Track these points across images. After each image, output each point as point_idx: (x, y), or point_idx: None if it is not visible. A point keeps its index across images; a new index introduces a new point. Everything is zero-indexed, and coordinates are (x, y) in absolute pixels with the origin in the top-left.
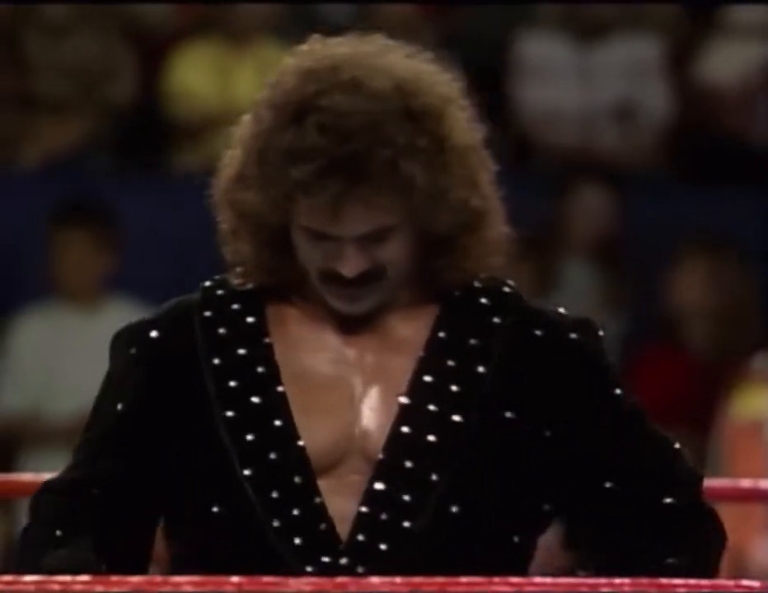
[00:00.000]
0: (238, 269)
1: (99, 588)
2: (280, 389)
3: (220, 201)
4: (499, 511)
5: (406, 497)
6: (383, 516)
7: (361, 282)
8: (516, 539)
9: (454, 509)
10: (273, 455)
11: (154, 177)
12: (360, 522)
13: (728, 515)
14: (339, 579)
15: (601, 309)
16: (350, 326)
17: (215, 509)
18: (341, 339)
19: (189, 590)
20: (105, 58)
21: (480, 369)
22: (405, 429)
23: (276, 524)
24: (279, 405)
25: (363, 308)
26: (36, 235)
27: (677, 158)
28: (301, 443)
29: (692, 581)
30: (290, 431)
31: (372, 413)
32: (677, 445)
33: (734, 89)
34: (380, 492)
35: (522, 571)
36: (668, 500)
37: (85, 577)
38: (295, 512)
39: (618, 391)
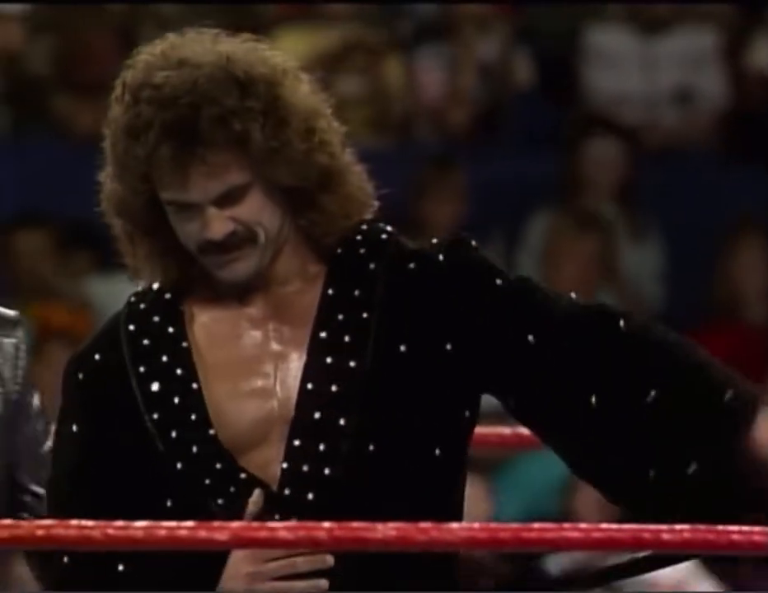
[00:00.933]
0: (142, 274)
1: (202, 533)
2: (195, 386)
3: (105, 207)
4: (413, 434)
5: (321, 447)
6: (305, 468)
7: (234, 245)
8: (437, 451)
9: (371, 447)
10: (195, 448)
11: None
12: (284, 477)
13: None
14: (423, 524)
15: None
16: (253, 309)
17: (168, 503)
18: (247, 324)
19: (283, 535)
20: None
21: (365, 315)
22: (309, 385)
23: (220, 501)
24: (195, 401)
25: (245, 272)
26: None
27: (730, 138)
28: (212, 432)
29: (746, 528)
30: (204, 423)
31: (285, 381)
32: (573, 295)
33: None
34: (297, 447)
35: (452, 482)
36: (654, 393)
37: (189, 523)
38: (231, 490)
39: (499, 281)
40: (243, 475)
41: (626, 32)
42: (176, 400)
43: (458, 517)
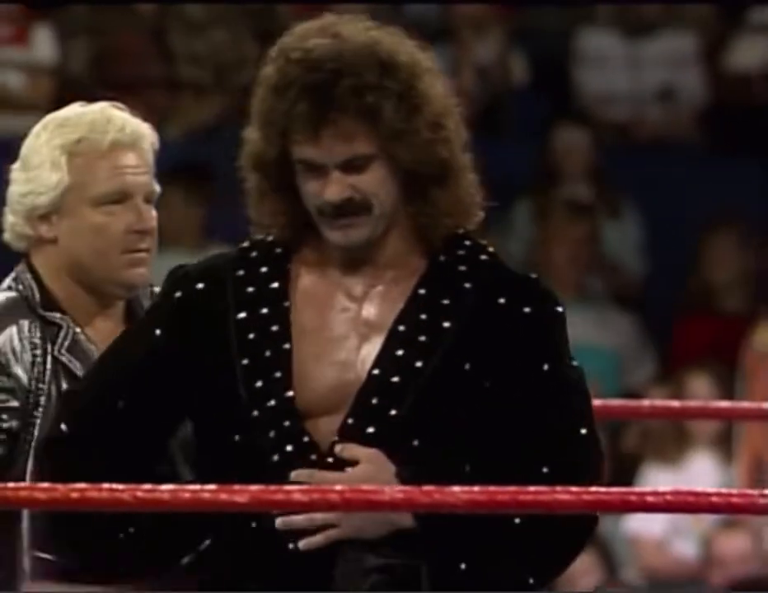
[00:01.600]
0: (264, 228)
1: (223, 496)
2: (287, 346)
3: (244, 162)
4: (451, 442)
5: (370, 429)
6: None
7: (349, 211)
8: (467, 469)
9: (414, 442)
10: (271, 402)
11: None
12: (332, 452)
13: (752, 430)
14: (426, 488)
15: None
16: (352, 285)
17: (237, 438)
18: (344, 298)
19: (298, 497)
20: (235, 48)
21: (446, 324)
22: (375, 371)
23: (275, 458)
24: (283, 360)
25: (357, 238)
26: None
27: (709, 133)
28: (290, 394)
29: (725, 491)
30: (285, 383)
31: (362, 361)
32: (584, 431)
33: (756, 75)
34: (350, 425)
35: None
36: (545, 470)
37: (212, 487)
38: (289, 449)
39: (547, 367)
40: (305, 439)
41: (614, 35)
42: (267, 353)
43: None
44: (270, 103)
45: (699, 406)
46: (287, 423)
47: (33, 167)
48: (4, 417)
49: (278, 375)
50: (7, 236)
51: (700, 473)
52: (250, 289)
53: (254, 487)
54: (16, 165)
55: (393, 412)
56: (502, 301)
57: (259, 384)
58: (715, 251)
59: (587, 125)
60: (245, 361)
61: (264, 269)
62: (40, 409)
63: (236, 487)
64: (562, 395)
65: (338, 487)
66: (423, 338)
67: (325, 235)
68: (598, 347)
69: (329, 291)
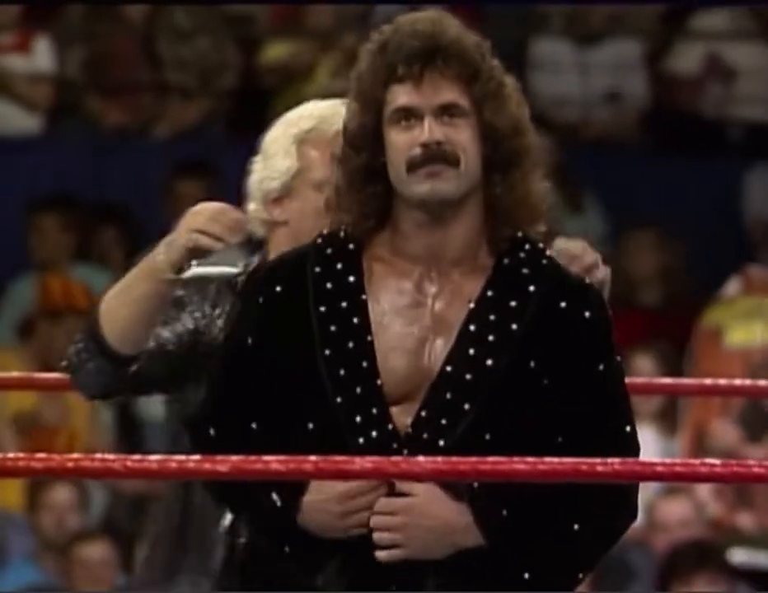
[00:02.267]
0: (341, 223)
1: (207, 466)
2: (369, 338)
3: (332, 159)
4: (520, 440)
5: (443, 421)
6: (424, 435)
7: (439, 157)
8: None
9: (486, 436)
10: (358, 390)
11: (255, 144)
12: (407, 439)
13: (694, 405)
14: (394, 458)
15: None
16: (424, 280)
17: (310, 425)
18: (418, 291)
19: (275, 466)
20: (218, 54)
21: (514, 326)
22: (448, 368)
23: (361, 440)
24: (368, 351)
25: (443, 190)
26: (163, 186)
27: (652, 133)
28: (379, 382)
29: (668, 460)
30: (373, 372)
31: (434, 354)
32: (628, 429)
33: (693, 78)
34: (423, 417)
35: None
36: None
37: (196, 457)
38: (373, 434)
39: (602, 367)
40: (390, 426)
41: (565, 43)
42: (350, 345)
43: None
44: (370, 65)
45: (644, 382)
46: (374, 410)
47: (270, 156)
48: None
49: (364, 364)
50: (249, 226)
51: (644, 444)
52: (329, 284)
53: (234, 458)
54: (257, 157)
55: (467, 406)
56: (563, 305)
57: (342, 372)
58: (635, 248)
59: (542, 127)
60: (327, 352)
61: (339, 265)
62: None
63: (219, 457)
64: (614, 394)
65: (312, 458)
66: (492, 338)
67: (413, 192)
68: None
69: (401, 287)
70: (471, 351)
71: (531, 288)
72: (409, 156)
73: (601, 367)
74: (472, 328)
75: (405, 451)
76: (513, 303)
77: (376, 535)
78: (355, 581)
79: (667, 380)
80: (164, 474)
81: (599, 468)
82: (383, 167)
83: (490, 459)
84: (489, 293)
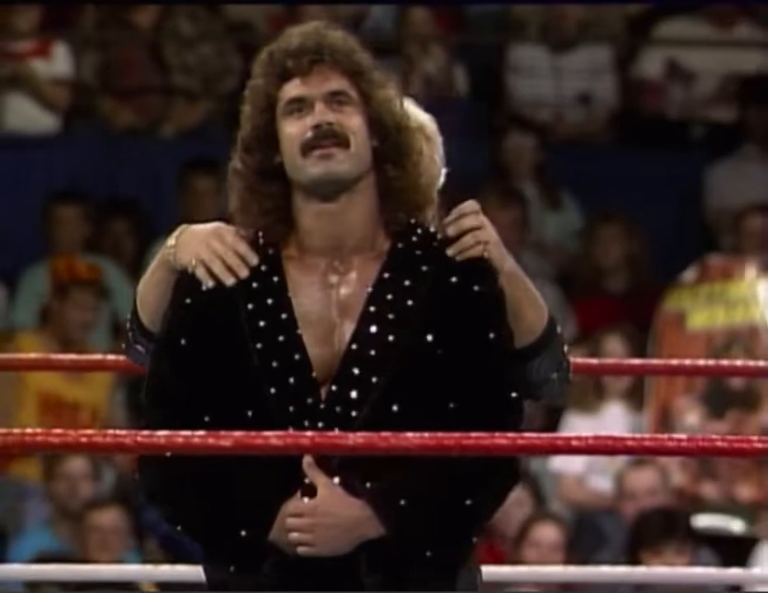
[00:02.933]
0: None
1: (211, 441)
2: (299, 332)
3: (232, 175)
4: (426, 409)
5: (353, 394)
6: (337, 409)
7: (330, 137)
8: (441, 425)
9: (395, 407)
10: (291, 380)
11: None
12: (321, 414)
13: (659, 383)
14: (384, 433)
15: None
16: (329, 271)
17: (249, 413)
18: (324, 284)
19: (274, 442)
20: (220, 59)
21: (410, 303)
22: (353, 346)
23: (291, 430)
24: (299, 345)
25: (336, 169)
26: (173, 182)
27: (620, 132)
28: (314, 374)
29: (638, 435)
30: (306, 363)
31: (343, 336)
32: (514, 395)
33: (657, 81)
34: (335, 392)
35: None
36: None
37: (201, 432)
38: (306, 423)
39: (492, 335)
40: (322, 407)
41: (541, 50)
42: (281, 339)
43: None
44: (263, 67)
45: (614, 363)
46: (309, 400)
47: None
48: None
49: (297, 357)
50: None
51: (614, 420)
52: (254, 284)
53: (237, 433)
54: None
55: (374, 380)
56: (454, 280)
57: (275, 364)
58: (604, 239)
59: (519, 126)
60: (259, 346)
61: (263, 267)
62: None
63: (222, 432)
64: (502, 361)
65: (308, 434)
66: (391, 317)
67: (308, 176)
68: None
69: (312, 280)
70: (373, 329)
71: (424, 268)
72: (302, 140)
73: (491, 336)
74: (372, 309)
75: (320, 424)
76: (408, 283)
77: (291, 536)
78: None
79: (636, 361)
80: (171, 447)
81: (574, 442)
82: (279, 167)
83: (473, 434)
84: (386, 275)
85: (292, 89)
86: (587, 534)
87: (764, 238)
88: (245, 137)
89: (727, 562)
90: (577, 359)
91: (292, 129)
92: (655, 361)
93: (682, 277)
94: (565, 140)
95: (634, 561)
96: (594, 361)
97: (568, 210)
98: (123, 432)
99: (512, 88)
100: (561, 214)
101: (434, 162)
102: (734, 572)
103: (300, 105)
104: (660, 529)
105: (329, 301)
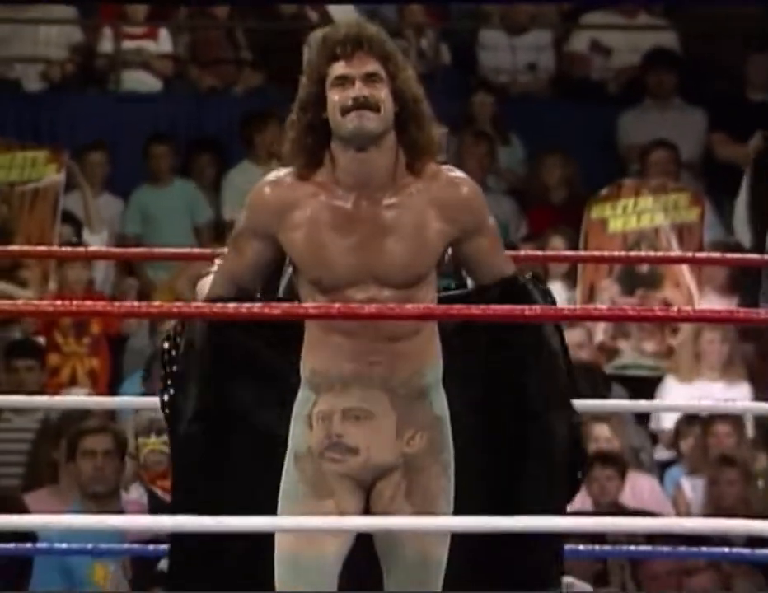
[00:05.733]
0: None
1: (256, 309)
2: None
3: (294, 113)
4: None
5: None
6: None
7: (365, 104)
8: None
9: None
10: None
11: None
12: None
13: (588, 269)
14: (393, 305)
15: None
16: (357, 199)
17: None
18: (355, 209)
19: (312, 312)
20: (274, 39)
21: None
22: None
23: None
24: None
25: (368, 125)
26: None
27: (558, 90)
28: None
29: (572, 306)
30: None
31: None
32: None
33: (584, 54)
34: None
35: None
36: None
37: (249, 304)
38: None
39: (489, 221)
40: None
41: (501, 33)
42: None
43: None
44: (317, 49)
45: (555, 255)
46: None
47: None
48: None
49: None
50: None
51: (555, 295)
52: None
53: (285, 305)
54: None
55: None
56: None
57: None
58: (548, 166)
59: (485, 88)
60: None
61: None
62: None
63: (273, 304)
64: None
65: (336, 305)
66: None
67: (346, 129)
68: (497, 217)
69: (342, 208)
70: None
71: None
72: (344, 105)
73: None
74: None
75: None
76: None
77: None
78: None
79: (571, 253)
80: (223, 315)
81: (527, 311)
82: (324, 123)
83: (459, 307)
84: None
85: (339, 68)
86: None
87: (660, 166)
88: (302, 99)
89: (635, 397)
90: (529, 252)
91: (337, 97)
92: (584, 253)
93: (604, 194)
94: (518, 98)
95: None
96: (541, 253)
97: (516, 146)
98: (201, 304)
99: (481, 60)
100: (511, 148)
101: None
102: (642, 403)
103: (343, 81)
104: (584, 372)
105: (356, 225)
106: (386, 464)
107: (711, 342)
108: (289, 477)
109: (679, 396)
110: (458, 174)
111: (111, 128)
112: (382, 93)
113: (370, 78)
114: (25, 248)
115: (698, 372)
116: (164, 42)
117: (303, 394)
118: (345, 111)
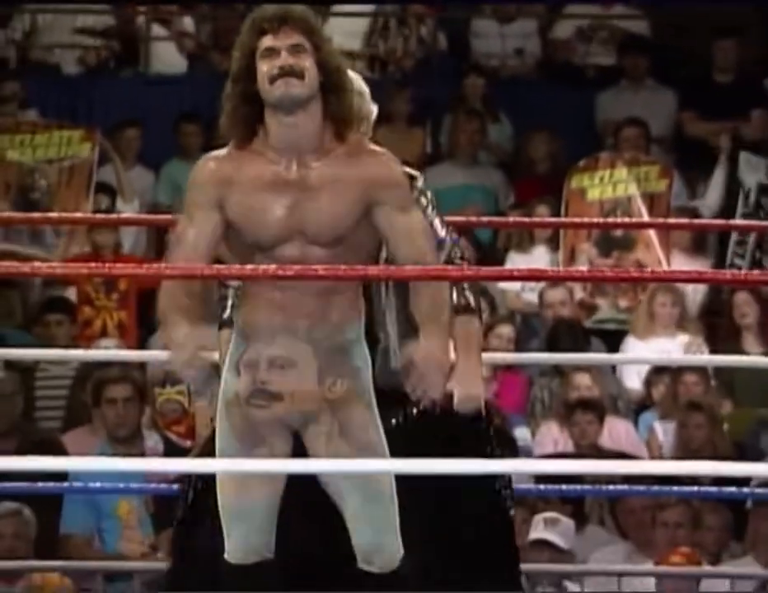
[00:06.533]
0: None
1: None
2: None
3: (228, 89)
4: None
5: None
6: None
7: (291, 72)
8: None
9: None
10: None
11: None
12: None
13: (569, 234)
14: (373, 267)
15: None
16: (288, 164)
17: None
18: (285, 171)
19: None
20: None
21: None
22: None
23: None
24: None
25: (294, 91)
26: None
27: (545, 74)
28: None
29: (555, 268)
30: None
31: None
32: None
33: (565, 41)
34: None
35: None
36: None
37: (267, 266)
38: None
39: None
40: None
41: (492, 21)
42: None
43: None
44: (248, 27)
45: (540, 221)
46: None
47: None
48: None
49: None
50: None
51: (540, 258)
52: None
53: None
54: None
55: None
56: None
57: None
58: (534, 143)
59: (477, 72)
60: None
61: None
62: None
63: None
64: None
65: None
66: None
67: (274, 96)
68: (488, 188)
69: (275, 171)
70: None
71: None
72: (271, 74)
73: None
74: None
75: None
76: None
77: None
78: None
79: (554, 219)
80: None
81: (515, 273)
82: (257, 94)
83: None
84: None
85: (267, 41)
86: (524, 331)
87: (632, 141)
88: (235, 72)
89: (613, 349)
90: (516, 219)
91: (265, 67)
92: (566, 219)
93: (582, 166)
94: (506, 80)
95: (552, 349)
96: (527, 219)
97: (504, 123)
98: (224, 266)
99: (474, 46)
100: (500, 125)
101: (364, 106)
102: (617, 356)
103: (271, 53)
104: (565, 328)
105: (286, 186)
106: (308, 409)
107: (663, 304)
108: (222, 427)
109: (637, 351)
110: (378, 148)
111: (142, 108)
112: (307, 62)
113: (295, 49)
114: (64, 215)
115: (652, 331)
116: (189, 29)
117: (234, 344)
118: (273, 79)
